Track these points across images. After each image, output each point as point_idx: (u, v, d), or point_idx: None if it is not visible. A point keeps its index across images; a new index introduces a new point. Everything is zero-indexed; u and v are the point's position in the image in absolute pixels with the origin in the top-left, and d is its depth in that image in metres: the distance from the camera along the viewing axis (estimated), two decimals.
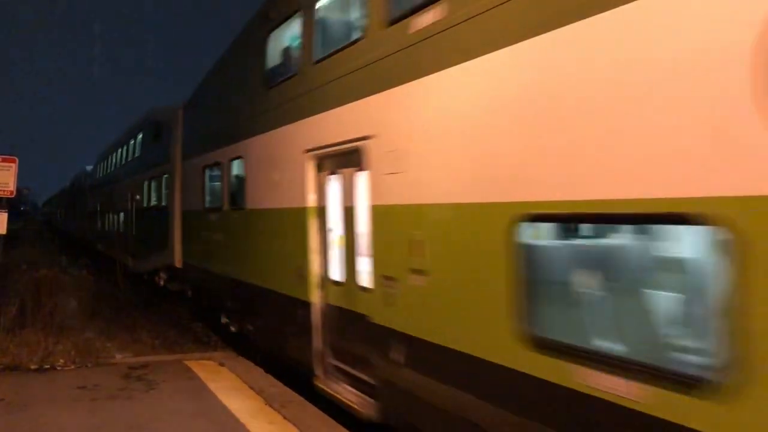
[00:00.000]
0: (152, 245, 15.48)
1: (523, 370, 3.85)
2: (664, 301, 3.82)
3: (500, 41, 4.11)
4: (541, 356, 3.70)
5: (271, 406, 6.71)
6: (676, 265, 3.79)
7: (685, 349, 3.46)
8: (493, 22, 4.21)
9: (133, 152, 20.23)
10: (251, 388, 7.41)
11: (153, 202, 16.28)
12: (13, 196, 12.26)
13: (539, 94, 3.81)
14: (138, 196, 18.25)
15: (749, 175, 2.68)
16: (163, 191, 14.85)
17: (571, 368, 3.50)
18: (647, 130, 3.14)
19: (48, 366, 8.33)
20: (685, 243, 3.70)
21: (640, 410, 3.12)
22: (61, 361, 8.48)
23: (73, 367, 8.41)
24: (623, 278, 3.99)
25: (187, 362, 8.76)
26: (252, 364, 8.73)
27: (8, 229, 12.52)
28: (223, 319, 10.33)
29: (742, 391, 2.69)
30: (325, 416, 6.37)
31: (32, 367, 8.24)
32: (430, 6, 4.84)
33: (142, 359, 9.04)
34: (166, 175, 14.56)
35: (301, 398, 6.98)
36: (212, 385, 7.52)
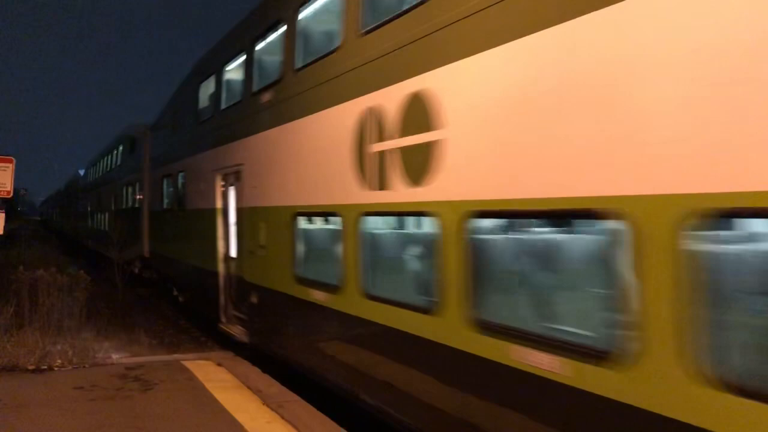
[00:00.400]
0: (129, 240, 18.84)
1: (294, 295, 7.22)
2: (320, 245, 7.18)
3: (277, 122, 7.63)
4: (300, 286, 7.07)
5: (268, 405, 6.76)
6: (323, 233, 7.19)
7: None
8: (278, 110, 7.72)
9: (115, 161, 23.67)
10: (249, 387, 7.47)
11: (129, 204, 19.67)
12: (10, 196, 12.15)
13: (294, 154, 7.30)
14: (118, 199, 21.68)
15: (368, 197, 6.06)
16: (137, 195, 18.27)
17: (309, 291, 6.86)
18: (320, 178, 6.63)
19: (45, 366, 8.32)
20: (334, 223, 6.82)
21: (315, 302, 6.52)
22: (59, 361, 8.48)
23: (70, 367, 8.41)
24: (330, 243, 7.03)
25: (184, 362, 8.79)
26: (249, 364, 8.83)
27: (5, 228, 12.14)
28: (174, 292, 13.72)
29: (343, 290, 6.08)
30: (323, 416, 6.45)
31: (29, 367, 8.25)
32: (267, 89, 8.23)
33: (140, 359, 9.11)
34: (138, 182, 17.98)
35: (299, 398, 7.09)
36: (210, 385, 7.54)
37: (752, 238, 3.84)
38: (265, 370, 8.34)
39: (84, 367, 8.45)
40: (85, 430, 6.01)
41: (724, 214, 2.88)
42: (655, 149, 3.08)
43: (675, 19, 3.02)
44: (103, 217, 25.88)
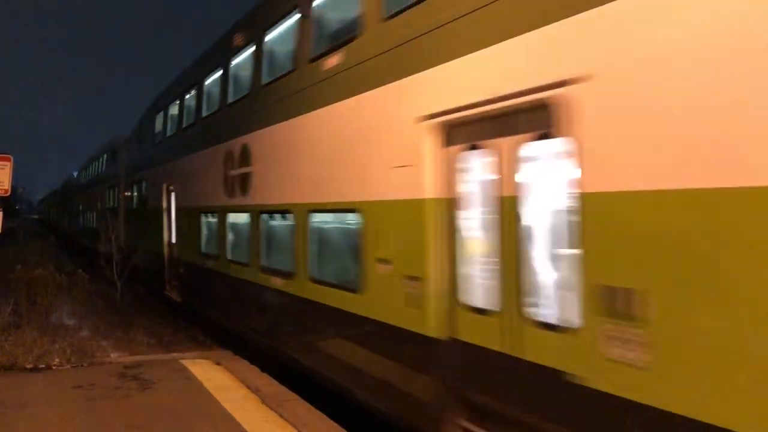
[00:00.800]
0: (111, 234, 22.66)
1: (199, 264, 11.13)
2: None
3: (189, 152, 11.67)
4: (202, 258, 10.97)
5: (267, 404, 6.80)
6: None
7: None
8: (189, 143, 11.70)
9: (101, 167, 27.63)
10: (247, 387, 7.52)
11: (111, 204, 23.49)
12: (8, 194, 12.25)
13: (197, 173, 11.25)
14: (103, 200, 25.46)
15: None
16: (116, 197, 22.14)
17: (206, 260, 10.75)
18: (209, 189, 10.58)
19: (43, 365, 8.31)
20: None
21: (208, 267, 10.43)
22: (57, 360, 8.50)
23: (68, 366, 8.42)
24: (216, 230, 10.55)
25: (183, 361, 8.83)
26: (248, 363, 8.95)
27: (3, 226, 12.05)
28: (141, 275, 17.57)
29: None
30: (322, 415, 6.51)
31: (28, 366, 8.24)
32: (189, 127, 12.14)
33: (138, 358, 9.16)
34: (117, 186, 21.88)
35: (298, 397, 7.14)
36: (208, 384, 7.57)
37: (329, 220, 7.18)
38: (264, 369, 8.50)
39: (82, 366, 8.51)
40: (83, 429, 6.04)
41: (317, 210, 6.88)
42: (300, 186, 7.27)
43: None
44: (92, 215, 29.57)
